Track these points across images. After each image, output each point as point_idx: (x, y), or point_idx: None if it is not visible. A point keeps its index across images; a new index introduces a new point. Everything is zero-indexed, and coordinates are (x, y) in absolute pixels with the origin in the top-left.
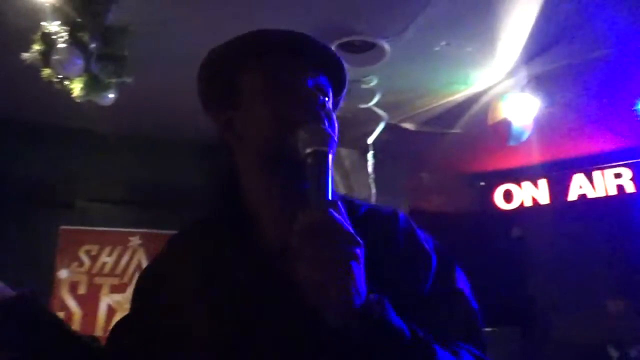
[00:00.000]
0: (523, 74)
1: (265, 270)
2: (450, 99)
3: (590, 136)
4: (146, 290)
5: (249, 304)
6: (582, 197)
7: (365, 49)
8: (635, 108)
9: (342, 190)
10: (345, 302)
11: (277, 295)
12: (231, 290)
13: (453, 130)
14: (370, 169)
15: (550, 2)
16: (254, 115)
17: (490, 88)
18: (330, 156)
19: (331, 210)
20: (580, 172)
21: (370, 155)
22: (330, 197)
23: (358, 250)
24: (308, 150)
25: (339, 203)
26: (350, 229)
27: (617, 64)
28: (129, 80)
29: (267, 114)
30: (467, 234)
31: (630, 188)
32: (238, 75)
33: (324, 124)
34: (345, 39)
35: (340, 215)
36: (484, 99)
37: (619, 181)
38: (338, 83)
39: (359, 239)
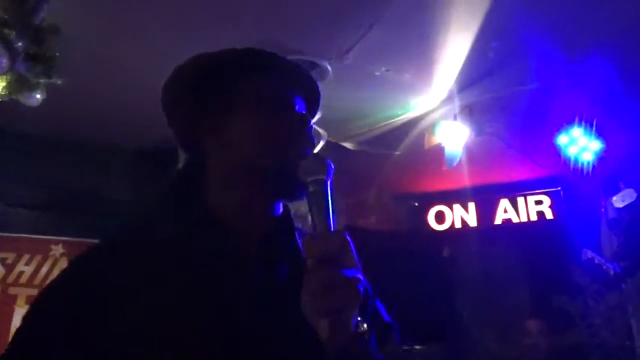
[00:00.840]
0: (456, 103)
1: (247, 285)
2: (390, 122)
3: (515, 164)
4: (96, 305)
5: (237, 318)
6: (507, 221)
7: (307, 69)
8: (555, 140)
9: None
10: (349, 328)
11: (262, 310)
12: (216, 305)
13: (391, 152)
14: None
15: (483, 37)
16: (250, 126)
17: (426, 114)
18: (329, 184)
19: (342, 235)
20: (506, 197)
21: None
22: (332, 224)
23: (361, 276)
24: (310, 179)
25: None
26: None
27: (541, 98)
28: (59, 81)
29: (264, 128)
30: (402, 252)
31: (549, 215)
32: (235, 84)
33: (313, 147)
34: (288, 57)
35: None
36: (421, 124)
37: (540, 208)
38: (313, 107)
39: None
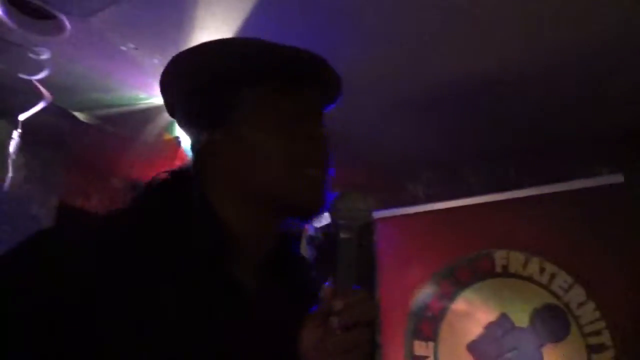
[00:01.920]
0: None
1: (245, 312)
2: (132, 103)
3: None
4: (70, 310)
5: (231, 348)
6: None
7: (41, 16)
8: None
9: None
10: None
11: (258, 341)
12: (211, 331)
13: (129, 135)
14: (12, 148)
15: (244, 34)
16: (253, 143)
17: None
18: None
19: (374, 300)
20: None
21: (16, 133)
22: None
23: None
24: (342, 222)
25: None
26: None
27: None
28: None
29: (272, 146)
30: None
31: None
32: (241, 90)
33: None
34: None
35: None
36: (164, 114)
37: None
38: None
39: None
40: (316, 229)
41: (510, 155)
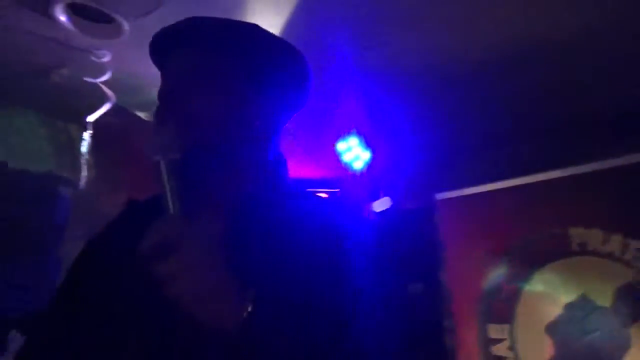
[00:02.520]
0: None
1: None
2: None
3: (302, 163)
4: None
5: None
6: None
7: (101, 20)
8: (335, 146)
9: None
10: (229, 315)
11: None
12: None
13: None
14: (84, 149)
15: (286, 35)
16: None
17: None
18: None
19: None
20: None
21: (87, 134)
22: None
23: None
24: (159, 157)
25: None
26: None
27: (327, 106)
28: None
29: None
30: None
31: None
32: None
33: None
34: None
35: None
36: None
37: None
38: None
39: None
40: (377, 213)
41: (585, 126)
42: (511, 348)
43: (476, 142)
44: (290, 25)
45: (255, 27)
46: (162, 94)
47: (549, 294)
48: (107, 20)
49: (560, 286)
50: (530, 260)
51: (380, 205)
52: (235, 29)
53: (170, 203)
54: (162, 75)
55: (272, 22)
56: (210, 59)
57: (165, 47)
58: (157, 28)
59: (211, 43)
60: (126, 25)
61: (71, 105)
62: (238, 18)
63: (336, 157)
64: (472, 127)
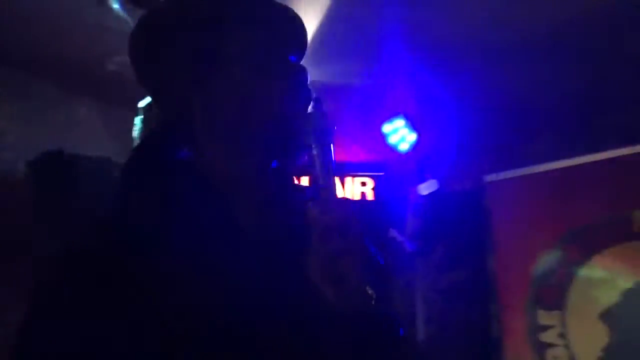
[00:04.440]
0: None
1: (247, 255)
2: None
3: (346, 146)
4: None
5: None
6: None
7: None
8: (381, 128)
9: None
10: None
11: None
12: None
13: None
14: (135, 133)
15: (327, 22)
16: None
17: None
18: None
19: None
20: (336, 176)
21: (138, 119)
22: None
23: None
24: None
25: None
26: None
27: (372, 89)
28: None
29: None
30: None
31: (370, 196)
32: (230, 35)
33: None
34: None
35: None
36: None
37: (363, 189)
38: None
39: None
40: (423, 197)
41: None
42: (561, 335)
43: (528, 122)
44: (335, 7)
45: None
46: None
47: (606, 280)
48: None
49: (619, 271)
50: (588, 245)
51: (427, 188)
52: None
53: (328, 184)
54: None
55: (319, 2)
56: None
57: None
58: None
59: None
60: None
61: (126, 93)
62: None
63: (382, 139)
64: (523, 108)
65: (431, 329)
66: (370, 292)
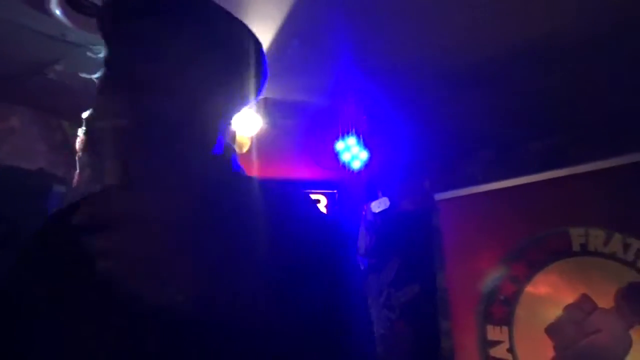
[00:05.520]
0: None
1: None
2: None
3: (300, 163)
4: None
5: None
6: None
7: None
8: (334, 146)
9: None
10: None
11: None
12: None
13: None
14: (77, 145)
15: (285, 31)
16: None
17: None
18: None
19: None
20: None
21: (80, 130)
22: None
23: None
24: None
25: None
26: None
27: (327, 106)
28: None
29: None
30: None
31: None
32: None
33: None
34: None
35: None
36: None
37: (318, 206)
38: None
39: None
40: (374, 214)
41: (584, 126)
42: (510, 350)
43: (475, 142)
44: (288, 23)
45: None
46: (111, 61)
47: (550, 295)
48: None
49: (561, 287)
50: (531, 262)
51: (379, 205)
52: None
53: (108, 173)
54: (112, 43)
55: (272, 17)
56: (160, 29)
57: (117, 16)
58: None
59: (163, 14)
60: None
61: (66, 102)
62: (237, 11)
63: (335, 156)
64: (471, 127)
65: (386, 344)
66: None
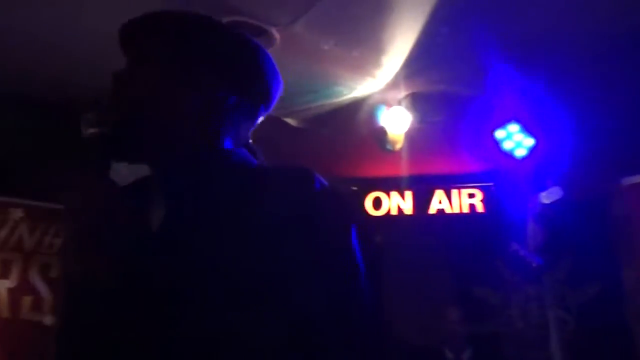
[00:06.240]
0: (402, 89)
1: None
2: (333, 101)
3: (452, 157)
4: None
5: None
6: (441, 211)
7: (254, 34)
8: (493, 135)
9: None
10: None
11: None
12: None
13: (332, 132)
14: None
15: (432, 22)
16: None
17: (370, 97)
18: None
19: None
20: (441, 188)
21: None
22: None
23: None
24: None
25: None
26: None
27: (485, 96)
28: None
29: None
30: None
31: (480, 208)
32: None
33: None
34: (233, 18)
35: None
36: (364, 106)
37: (472, 201)
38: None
39: None
40: (544, 205)
41: None
42: None
43: None
44: (438, 10)
45: (199, 18)
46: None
47: None
48: (260, 32)
49: None
50: None
51: (549, 196)
52: (176, 21)
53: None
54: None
55: (421, 3)
56: (153, 47)
57: (125, 36)
58: (305, 34)
59: (155, 34)
60: (277, 35)
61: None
62: (380, 15)
63: (491, 148)
64: None
65: (562, 351)
66: None
